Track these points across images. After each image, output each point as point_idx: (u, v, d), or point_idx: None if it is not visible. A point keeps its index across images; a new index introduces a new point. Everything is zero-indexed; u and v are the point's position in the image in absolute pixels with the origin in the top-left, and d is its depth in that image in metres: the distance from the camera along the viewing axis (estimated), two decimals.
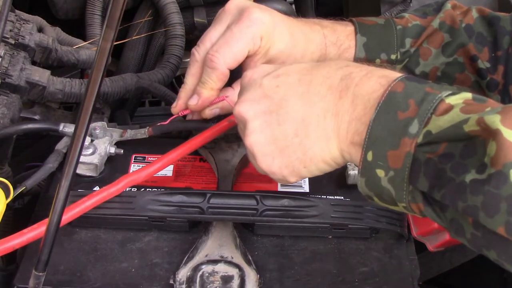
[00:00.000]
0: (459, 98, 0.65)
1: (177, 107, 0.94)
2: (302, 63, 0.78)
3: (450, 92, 0.65)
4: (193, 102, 0.92)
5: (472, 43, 0.98)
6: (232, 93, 0.93)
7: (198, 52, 0.92)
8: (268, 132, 0.74)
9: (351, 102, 0.70)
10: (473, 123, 0.60)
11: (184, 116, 0.96)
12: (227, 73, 0.90)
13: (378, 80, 0.69)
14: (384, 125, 0.66)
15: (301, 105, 0.72)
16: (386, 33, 0.99)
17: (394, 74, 0.70)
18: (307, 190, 0.94)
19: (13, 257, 0.87)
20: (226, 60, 0.88)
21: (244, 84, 0.79)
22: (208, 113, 0.94)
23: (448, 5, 1.01)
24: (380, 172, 0.66)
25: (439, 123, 0.63)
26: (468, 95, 0.65)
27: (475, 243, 0.61)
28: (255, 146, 0.75)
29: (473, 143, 0.60)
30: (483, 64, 0.97)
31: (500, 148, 0.57)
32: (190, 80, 0.93)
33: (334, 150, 0.72)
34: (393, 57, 0.99)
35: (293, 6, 1.62)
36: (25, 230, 0.80)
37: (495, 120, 0.58)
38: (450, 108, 0.64)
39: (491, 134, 0.58)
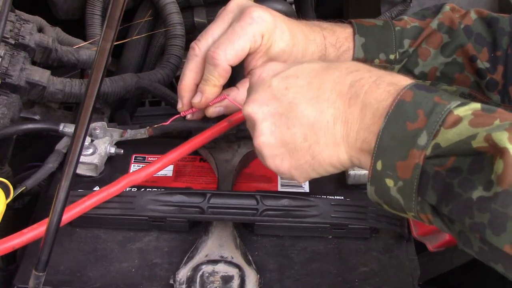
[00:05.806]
0: (468, 109, 0.64)
1: (184, 106, 0.95)
2: (312, 63, 0.78)
3: (459, 102, 0.65)
4: (197, 100, 0.92)
5: (471, 44, 0.98)
6: (237, 92, 0.93)
7: (199, 46, 0.92)
8: (277, 135, 0.75)
9: (360, 110, 0.70)
10: (481, 140, 0.60)
11: (184, 117, 0.96)
12: (229, 70, 0.90)
13: (387, 88, 0.69)
14: (393, 135, 0.66)
15: (310, 110, 0.73)
16: (384, 34, 0.99)
17: (403, 81, 0.70)
18: (307, 190, 0.94)
19: (13, 257, 0.87)
20: (227, 56, 0.89)
21: (253, 83, 0.79)
22: (212, 111, 0.94)
23: (447, 7, 1.01)
24: (389, 182, 0.67)
25: (447, 136, 0.63)
26: (477, 105, 0.65)
27: (482, 256, 0.62)
28: (264, 147, 0.76)
29: (480, 159, 0.60)
30: (482, 64, 0.98)
31: (507, 167, 0.57)
32: (188, 74, 0.93)
33: (343, 156, 0.73)
34: (391, 57, 0.99)
35: (293, 6, 1.62)
36: (25, 230, 0.80)
37: (502, 138, 0.58)
38: (459, 120, 0.63)
39: (499, 151, 0.58)
